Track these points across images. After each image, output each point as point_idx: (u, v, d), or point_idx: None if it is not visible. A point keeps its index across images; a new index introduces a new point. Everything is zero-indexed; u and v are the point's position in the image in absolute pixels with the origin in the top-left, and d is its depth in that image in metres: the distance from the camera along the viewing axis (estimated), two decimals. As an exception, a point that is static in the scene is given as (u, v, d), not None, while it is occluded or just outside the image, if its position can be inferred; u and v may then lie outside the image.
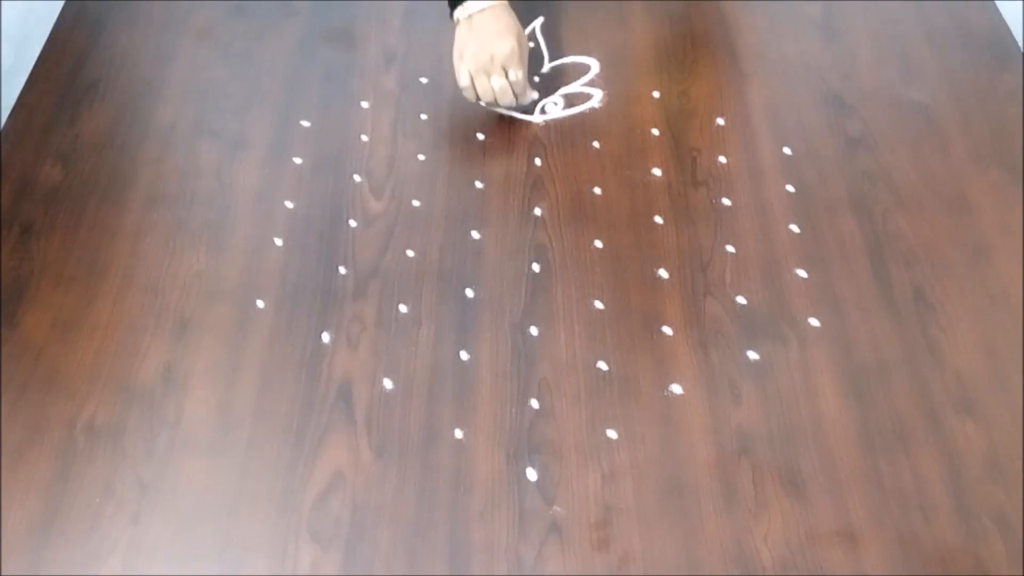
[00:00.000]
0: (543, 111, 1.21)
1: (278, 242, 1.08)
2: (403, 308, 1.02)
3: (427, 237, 1.08)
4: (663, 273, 1.04)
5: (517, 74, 1.15)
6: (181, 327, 1.00)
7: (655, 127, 1.18)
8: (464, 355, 0.98)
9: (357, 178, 1.14)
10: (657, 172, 1.14)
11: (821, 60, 1.26)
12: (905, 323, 0.99)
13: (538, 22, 1.30)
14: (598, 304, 1.02)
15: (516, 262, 1.06)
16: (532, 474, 0.90)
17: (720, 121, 1.19)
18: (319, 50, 1.29)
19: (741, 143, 1.16)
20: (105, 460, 0.91)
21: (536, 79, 1.24)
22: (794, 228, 1.08)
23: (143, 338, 1.00)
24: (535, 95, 1.20)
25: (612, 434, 0.92)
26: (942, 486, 0.88)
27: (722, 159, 1.15)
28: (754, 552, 0.84)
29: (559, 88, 1.23)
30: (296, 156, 1.16)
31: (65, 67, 1.27)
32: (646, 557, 0.85)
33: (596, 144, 1.17)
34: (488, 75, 1.14)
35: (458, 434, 0.92)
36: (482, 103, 1.17)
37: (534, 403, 0.94)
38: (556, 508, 0.87)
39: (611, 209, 1.10)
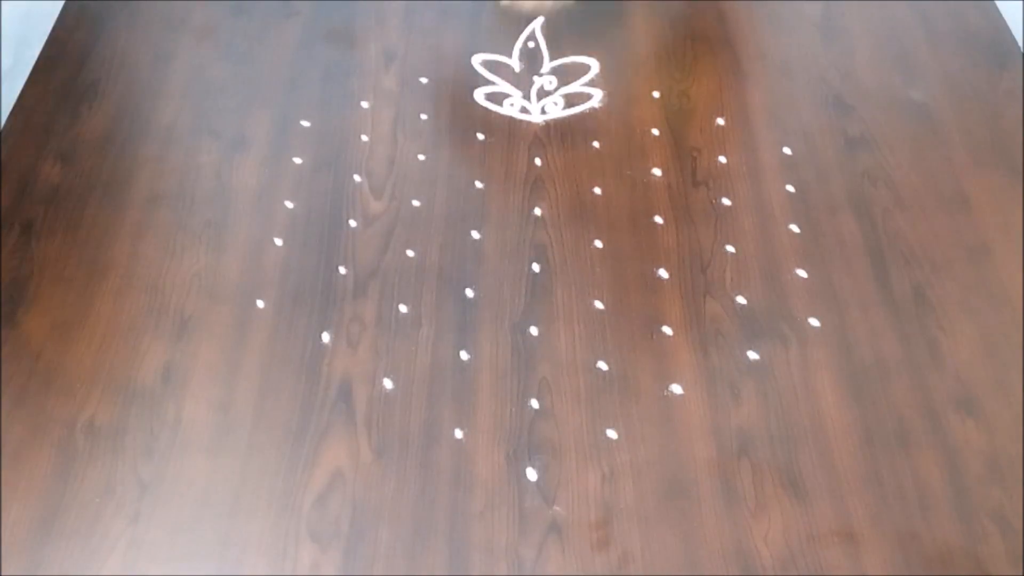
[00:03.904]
0: (543, 111, 1.21)
1: (278, 242, 1.08)
2: (403, 308, 1.02)
3: (427, 237, 1.08)
4: (663, 273, 1.04)
5: None
6: (181, 327, 1.01)
7: (655, 127, 1.19)
8: (464, 355, 0.98)
9: (357, 178, 1.14)
10: (657, 172, 1.14)
11: (821, 60, 1.26)
12: (905, 323, 0.99)
13: (538, 22, 1.30)
14: (598, 304, 1.02)
15: (516, 262, 1.06)
16: (532, 474, 0.90)
17: (720, 121, 1.19)
18: (319, 50, 1.29)
19: (741, 143, 1.16)
20: (105, 460, 0.91)
21: (536, 79, 1.24)
22: (794, 228, 1.08)
23: (143, 338, 1.00)
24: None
25: (612, 434, 0.92)
26: (942, 486, 0.88)
27: (722, 159, 1.15)
28: (754, 552, 0.85)
29: (559, 88, 1.23)
30: (296, 156, 1.16)
31: (65, 67, 1.27)
32: (646, 557, 0.85)
33: (596, 144, 1.17)
34: None
35: (458, 434, 0.92)
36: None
37: (534, 403, 0.94)
38: (556, 508, 0.88)
39: (611, 209, 1.10)
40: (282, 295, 1.03)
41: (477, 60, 1.26)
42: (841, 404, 0.93)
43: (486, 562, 0.85)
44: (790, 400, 0.94)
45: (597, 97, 1.22)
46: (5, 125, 1.20)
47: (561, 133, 1.19)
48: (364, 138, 1.18)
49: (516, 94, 1.23)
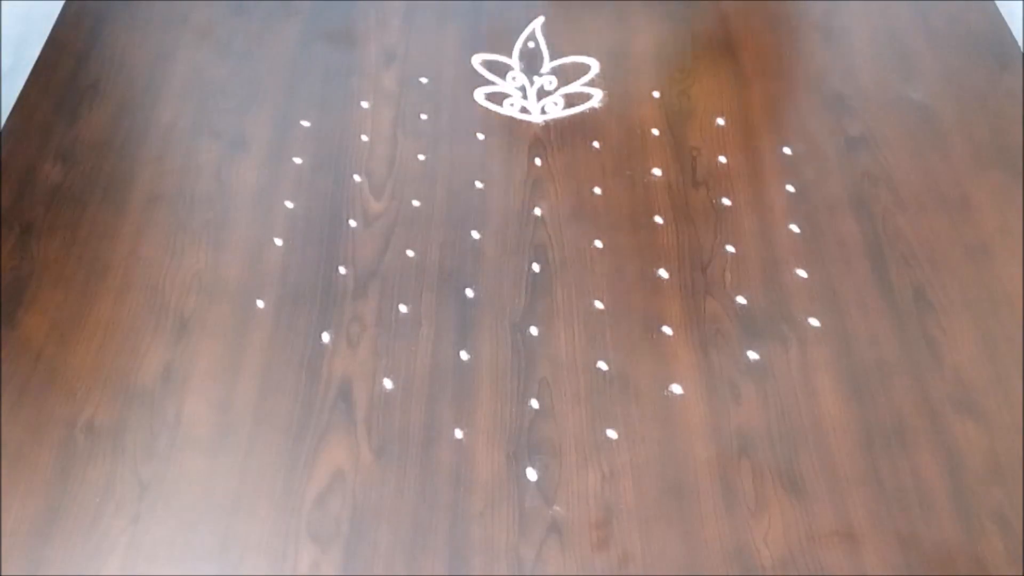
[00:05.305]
0: (543, 111, 1.21)
1: (278, 242, 1.08)
2: (403, 308, 1.02)
3: (427, 237, 1.08)
4: (663, 273, 1.04)
5: None
6: (181, 327, 1.01)
7: (655, 127, 1.19)
8: (464, 355, 0.98)
9: (357, 178, 1.14)
10: (657, 172, 1.14)
11: (821, 60, 1.26)
12: (905, 323, 0.99)
13: (538, 22, 1.30)
14: (598, 304, 1.02)
15: (516, 262, 1.06)
16: (532, 474, 0.90)
17: (720, 121, 1.19)
18: (319, 50, 1.29)
19: (741, 143, 1.16)
20: (105, 460, 0.91)
21: (536, 79, 1.24)
22: (794, 228, 1.08)
23: (143, 338, 1.00)
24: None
25: (612, 434, 0.92)
26: (942, 486, 0.88)
27: (722, 159, 1.15)
28: (754, 552, 0.85)
29: (559, 88, 1.23)
30: (296, 156, 1.16)
31: (65, 67, 1.27)
32: (646, 557, 0.85)
33: (596, 144, 1.17)
34: None
35: (458, 434, 0.92)
36: None
37: (534, 403, 0.94)
38: (556, 508, 0.87)
39: (611, 209, 1.10)
40: (282, 295, 1.03)
41: (477, 60, 1.26)
42: (841, 404, 0.93)
43: (486, 562, 0.85)
44: (790, 400, 0.94)
45: (597, 97, 1.22)
46: (5, 125, 1.20)
47: (561, 133, 1.19)
48: (364, 138, 1.18)
49: (516, 94, 1.23)
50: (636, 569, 0.84)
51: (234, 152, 1.17)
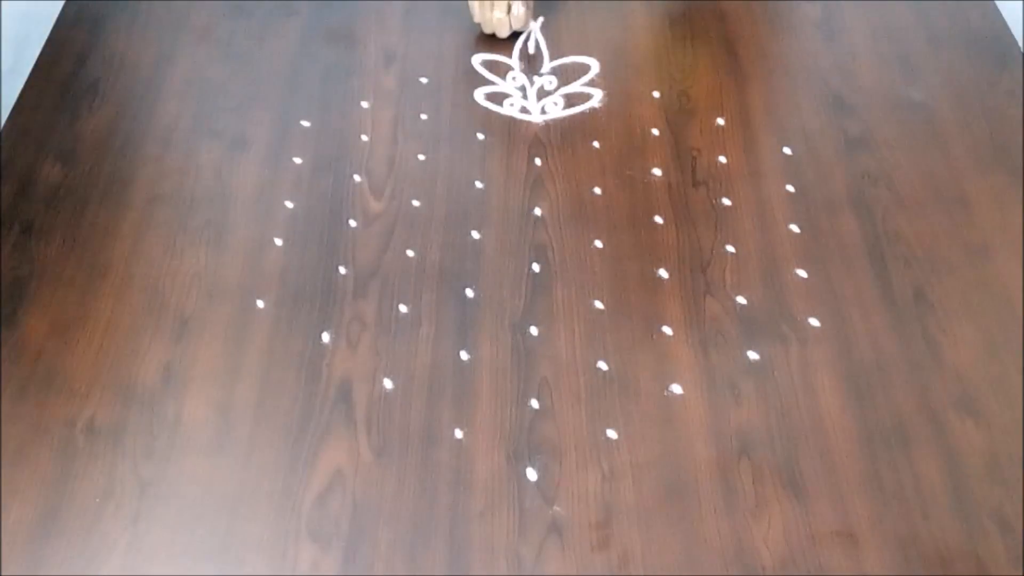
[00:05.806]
0: (543, 111, 1.21)
1: (278, 242, 1.08)
2: (403, 308, 1.02)
3: (427, 237, 1.08)
4: (663, 273, 1.04)
5: (520, 9, 1.24)
6: (181, 327, 1.00)
7: (655, 127, 1.19)
8: (464, 355, 0.98)
9: (357, 178, 1.14)
10: (657, 172, 1.14)
11: (821, 60, 1.26)
12: (905, 323, 0.99)
13: (538, 22, 1.30)
14: (598, 304, 1.02)
15: (516, 262, 1.06)
16: (532, 474, 0.90)
17: (720, 121, 1.19)
18: (319, 50, 1.29)
19: (741, 143, 1.16)
20: (105, 460, 0.91)
21: (536, 79, 1.24)
22: (794, 228, 1.08)
23: (143, 338, 1.00)
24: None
25: (612, 434, 0.92)
26: (942, 486, 0.88)
27: (722, 159, 1.15)
28: (754, 552, 0.85)
29: (559, 88, 1.23)
30: (296, 156, 1.16)
31: (65, 67, 1.27)
32: (646, 557, 0.85)
33: (596, 144, 1.17)
34: (492, 5, 1.24)
35: (458, 434, 0.92)
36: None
37: (534, 403, 0.94)
38: (556, 508, 0.87)
39: (611, 209, 1.10)
40: (282, 295, 1.03)
41: (477, 60, 1.26)
42: (841, 404, 0.93)
43: (486, 562, 0.85)
44: (790, 400, 0.94)
45: (597, 97, 1.22)
46: (5, 125, 1.20)
47: (561, 133, 1.19)
48: (364, 138, 1.18)
49: (516, 94, 1.23)
50: (636, 569, 0.84)
51: (234, 152, 1.17)
